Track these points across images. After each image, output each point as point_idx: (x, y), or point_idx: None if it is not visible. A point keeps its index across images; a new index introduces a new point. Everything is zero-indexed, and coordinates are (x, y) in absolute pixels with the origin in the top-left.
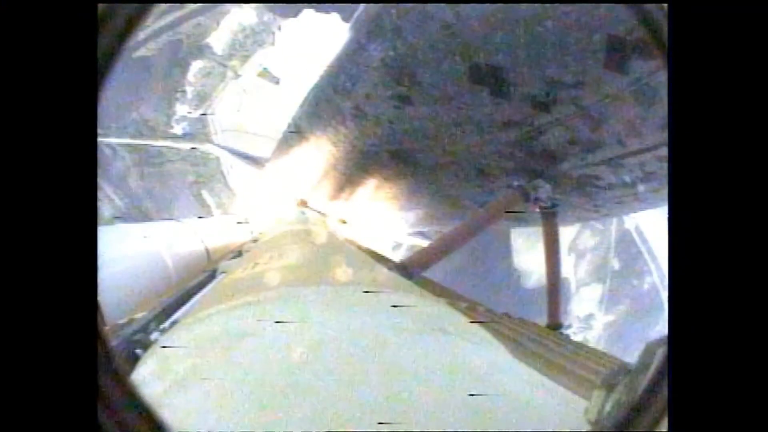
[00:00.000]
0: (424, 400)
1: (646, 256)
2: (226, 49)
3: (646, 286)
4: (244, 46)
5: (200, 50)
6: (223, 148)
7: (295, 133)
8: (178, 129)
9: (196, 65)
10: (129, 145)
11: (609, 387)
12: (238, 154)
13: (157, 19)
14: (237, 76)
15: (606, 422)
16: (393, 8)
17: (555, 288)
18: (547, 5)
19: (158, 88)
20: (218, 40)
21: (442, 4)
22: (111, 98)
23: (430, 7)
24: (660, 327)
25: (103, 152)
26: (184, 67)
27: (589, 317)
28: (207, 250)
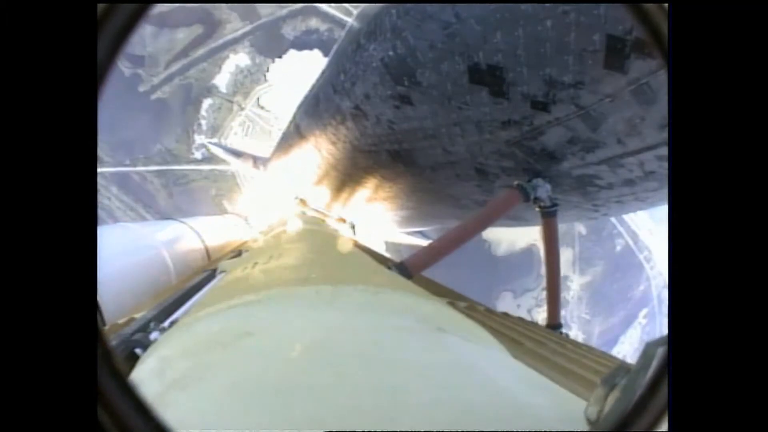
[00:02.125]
0: (423, 400)
1: (613, 220)
2: (230, 87)
3: (618, 248)
4: (244, 84)
5: (208, 90)
6: (221, 147)
7: (295, 133)
8: (197, 155)
9: (207, 102)
10: (156, 171)
11: (609, 387)
12: (235, 154)
13: (167, 67)
14: (242, 108)
15: (606, 422)
16: (393, 8)
17: (555, 288)
18: (547, 5)
19: (177, 124)
20: (222, 80)
21: (442, 4)
22: (136, 135)
23: (430, 7)
24: (642, 287)
25: (133, 179)
26: (197, 105)
27: (564, 278)
28: (207, 250)
